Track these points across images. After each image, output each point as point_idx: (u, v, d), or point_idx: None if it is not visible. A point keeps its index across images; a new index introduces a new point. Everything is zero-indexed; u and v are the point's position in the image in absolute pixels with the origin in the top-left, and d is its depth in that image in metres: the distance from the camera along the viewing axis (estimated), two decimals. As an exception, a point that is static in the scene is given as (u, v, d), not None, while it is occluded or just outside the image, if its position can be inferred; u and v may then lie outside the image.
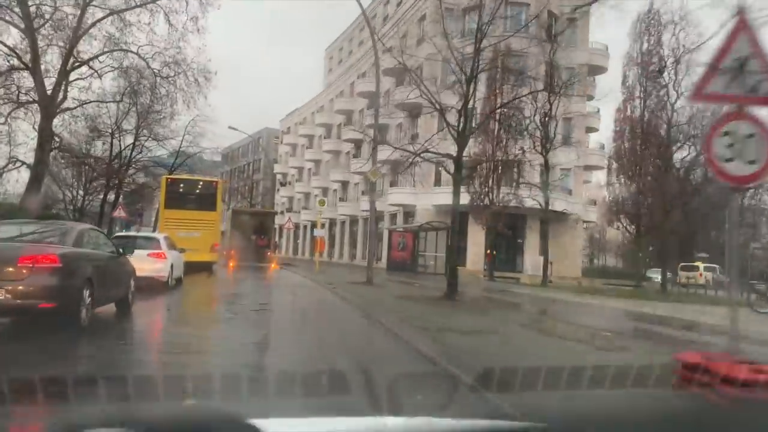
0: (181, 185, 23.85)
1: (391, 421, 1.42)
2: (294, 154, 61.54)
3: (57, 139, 32.24)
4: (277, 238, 37.38)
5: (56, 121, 29.12)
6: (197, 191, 23.35)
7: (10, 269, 6.56)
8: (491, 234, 31.22)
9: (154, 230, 27.17)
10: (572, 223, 32.28)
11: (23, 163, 34.51)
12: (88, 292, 7.27)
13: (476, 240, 30.07)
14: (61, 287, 6.69)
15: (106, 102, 34.23)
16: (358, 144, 43.81)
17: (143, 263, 11.84)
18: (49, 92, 26.65)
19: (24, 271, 6.57)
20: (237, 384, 2.33)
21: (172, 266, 14.08)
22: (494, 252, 30.50)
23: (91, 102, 33.25)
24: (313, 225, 51.90)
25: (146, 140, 39.24)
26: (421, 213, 32.04)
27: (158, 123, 38.93)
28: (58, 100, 31.27)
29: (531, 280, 26.15)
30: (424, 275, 25.54)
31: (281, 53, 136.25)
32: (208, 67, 27.29)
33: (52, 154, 32.42)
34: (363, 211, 38.53)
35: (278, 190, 62.66)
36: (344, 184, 46.54)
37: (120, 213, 25.28)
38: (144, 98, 34.23)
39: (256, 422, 1.28)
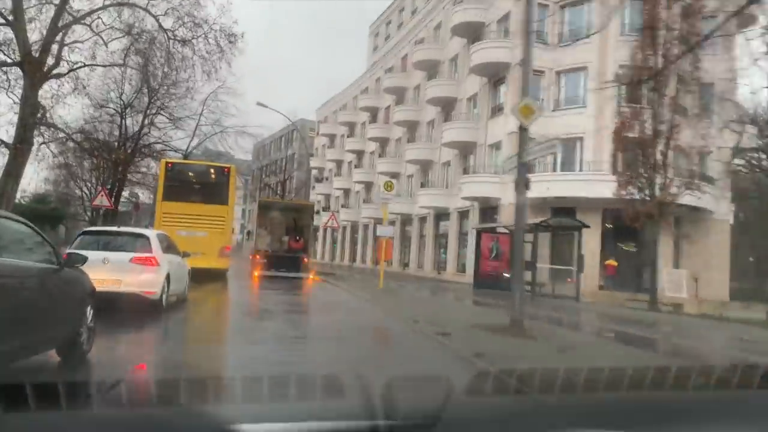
0: (184, 171, 19.31)
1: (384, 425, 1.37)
2: (332, 145, 54.20)
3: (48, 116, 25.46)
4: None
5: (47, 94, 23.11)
6: (204, 179, 18.82)
7: None
8: (612, 237, 23.03)
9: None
10: (718, 224, 23.76)
11: (3, 142, 27.86)
12: None
13: (588, 245, 21.86)
14: None
15: (104, 66, 27.36)
16: (412, 126, 35.99)
17: (122, 273, 8.63)
18: (36, 55, 21.87)
19: None
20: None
21: (168, 277, 9.54)
22: (616, 262, 22.34)
23: (85, 66, 26.58)
24: (354, 226, 44.77)
25: (157, 113, 32.39)
26: (510, 210, 23.93)
27: (172, 97, 32.09)
28: (49, 65, 24.98)
29: (692, 305, 17.90)
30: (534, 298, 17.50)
31: (316, 45, 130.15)
32: (234, 29, 22.03)
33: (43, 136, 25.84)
34: (422, 207, 30.69)
35: (313, 186, 55.38)
36: (393, 177, 38.71)
37: (102, 201, 18.02)
38: (156, 66, 27.45)
39: (246, 427, 1.29)
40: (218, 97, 34.23)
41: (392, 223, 38.25)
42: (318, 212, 46.28)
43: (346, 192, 49.21)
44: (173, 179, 18.41)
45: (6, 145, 27.41)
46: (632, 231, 21.89)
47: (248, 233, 31.42)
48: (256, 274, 22.65)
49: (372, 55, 48.81)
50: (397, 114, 36.30)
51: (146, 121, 32.73)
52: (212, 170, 19.76)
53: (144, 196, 52.39)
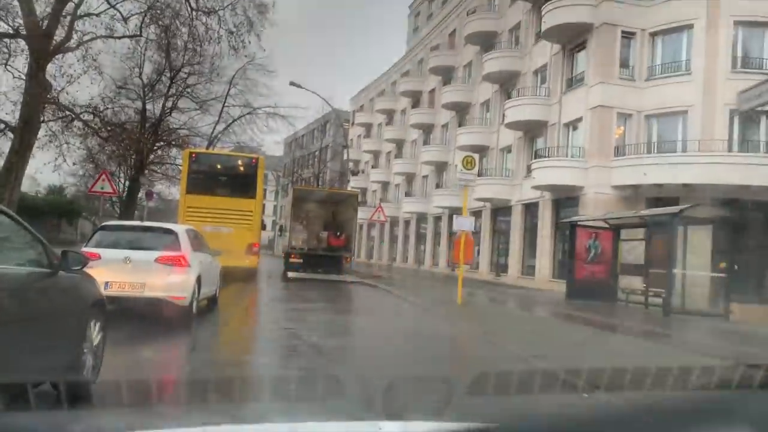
0: (210, 162, 18.46)
1: (387, 425, 1.40)
2: (368, 135, 50.52)
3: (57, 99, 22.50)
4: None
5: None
6: (231, 171, 17.92)
7: None
8: (723, 233, 18.63)
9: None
10: None
11: (6, 125, 24.94)
12: None
13: (694, 245, 17.47)
14: None
15: (119, 37, 24.24)
16: (462, 109, 31.94)
17: (146, 275, 7.28)
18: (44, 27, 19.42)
19: None
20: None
21: (198, 279, 8.07)
22: (732, 266, 17.94)
23: (97, 38, 23.59)
24: (393, 221, 40.81)
25: (180, 95, 29.17)
26: (594, 201, 19.73)
27: (196, 77, 28.79)
28: (57, 39, 21.82)
29: None
30: (642, 314, 13.18)
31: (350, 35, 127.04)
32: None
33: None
34: (479, 200, 26.65)
35: (349, 180, 51.75)
36: (440, 167, 34.78)
37: (103, 186, 14.56)
38: (178, 43, 24.45)
39: (250, 427, 1.32)
40: (247, 75, 30.99)
41: (436, 219, 34.43)
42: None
43: (384, 185, 45.49)
44: (198, 171, 17.39)
45: (9, 127, 24.41)
46: (751, 225, 17.59)
47: (281, 229, 27.90)
48: (290, 276, 18.99)
49: (412, 36, 44.90)
50: (445, 95, 32.28)
51: (168, 104, 29.58)
52: (239, 161, 18.78)
53: (167, 188, 49.53)
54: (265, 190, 21.11)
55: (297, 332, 8.02)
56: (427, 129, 37.44)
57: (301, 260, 19.81)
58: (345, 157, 52.73)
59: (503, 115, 26.67)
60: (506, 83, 27.01)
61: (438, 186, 33.71)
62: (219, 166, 18.28)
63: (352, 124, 55.22)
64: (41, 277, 3.80)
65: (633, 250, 14.44)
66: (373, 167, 48.03)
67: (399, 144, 43.11)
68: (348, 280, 19.17)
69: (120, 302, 5.20)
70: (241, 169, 17.97)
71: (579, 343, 7.91)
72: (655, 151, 19.61)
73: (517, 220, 25.16)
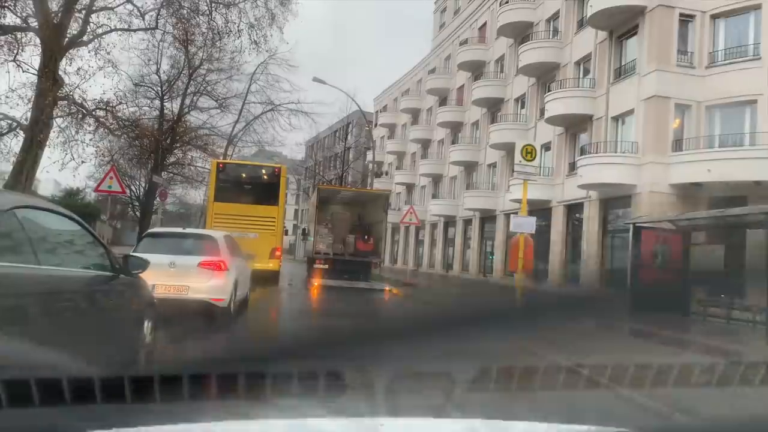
0: (236, 172, 19.44)
1: (388, 422, 1.40)
2: (392, 135, 49.00)
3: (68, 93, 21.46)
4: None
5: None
6: (255, 180, 19.01)
7: None
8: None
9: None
10: None
11: (18, 124, 24.05)
12: None
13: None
14: None
15: (134, 30, 23.19)
16: (493, 105, 30.18)
17: (190, 278, 7.86)
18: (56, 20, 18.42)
19: None
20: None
21: (235, 283, 8.69)
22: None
23: (111, 31, 22.55)
24: (418, 228, 38.99)
25: (199, 93, 28.00)
26: (649, 200, 17.83)
27: (216, 73, 27.56)
28: (71, 34, 21.26)
29: None
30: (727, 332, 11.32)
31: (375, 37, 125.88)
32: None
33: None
34: (513, 201, 24.87)
35: (371, 183, 50.21)
36: (469, 167, 33.03)
37: (111, 185, 13.14)
38: (197, 36, 23.36)
39: (252, 423, 1.33)
40: (268, 70, 29.73)
41: (466, 222, 32.54)
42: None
43: (409, 187, 43.85)
44: (224, 180, 18.37)
45: (19, 125, 23.34)
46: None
47: (304, 232, 26.56)
48: (315, 284, 17.44)
49: (438, 33, 43.27)
50: (476, 91, 30.52)
51: (186, 102, 28.38)
52: (263, 170, 19.68)
53: (188, 191, 48.57)
54: (286, 194, 21.65)
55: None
56: (455, 127, 35.72)
57: (326, 266, 18.29)
58: (369, 158, 51.40)
59: (541, 110, 24.89)
60: (544, 76, 25.19)
61: (469, 187, 31.89)
62: (244, 176, 19.09)
63: (376, 125, 53.75)
64: (105, 279, 4.12)
65: (709, 255, 12.58)
66: (397, 169, 46.45)
67: (425, 144, 41.48)
68: (377, 288, 17.56)
69: (165, 303, 5.51)
70: (265, 178, 18.83)
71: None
72: (718, 146, 17.69)
73: (558, 222, 23.30)
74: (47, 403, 1.24)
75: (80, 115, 19.58)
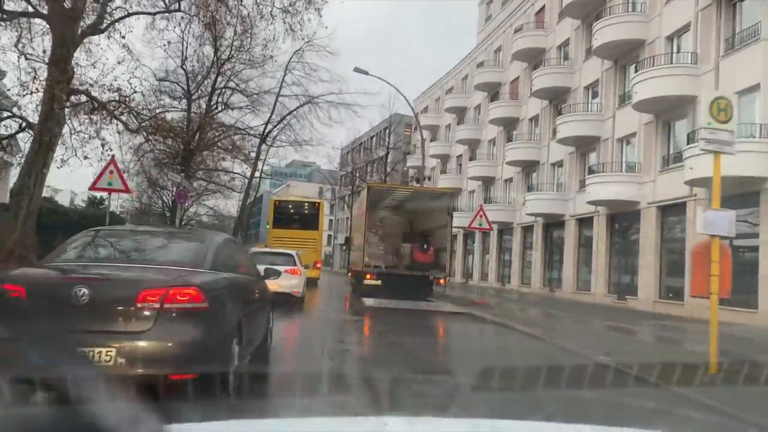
0: (287, 206, 26.14)
1: (392, 420, 1.33)
2: (435, 138, 45.75)
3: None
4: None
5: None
6: (301, 211, 25.23)
7: (125, 313, 3.77)
8: None
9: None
10: None
11: (27, 123, 21.55)
12: (237, 346, 4.29)
13: None
14: (206, 343, 3.84)
15: (153, 13, 20.85)
16: (558, 96, 26.60)
17: (283, 280, 11.29)
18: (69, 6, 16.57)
19: (145, 316, 3.72)
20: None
21: (305, 282, 14.46)
22: None
23: (128, 15, 20.02)
24: (468, 233, 35.30)
25: (229, 91, 25.39)
26: None
27: (246, 66, 24.85)
28: (87, 22, 18.84)
29: None
30: None
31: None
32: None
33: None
34: (590, 203, 21.28)
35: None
36: (528, 167, 29.47)
37: (112, 181, 10.16)
38: (224, 20, 20.86)
39: (260, 422, 1.35)
40: (305, 58, 27.01)
41: (525, 229, 28.67)
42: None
43: (455, 192, 40.42)
44: (279, 212, 25.02)
45: (29, 124, 20.81)
46: None
47: (346, 242, 24.47)
48: (367, 304, 14.18)
49: (484, 25, 39.98)
50: (537, 80, 26.98)
51: (215, 100, 25.72)
52: (306, 205, 26.19)
53: (218, 201, 46.06)
54: (323, 221, 27.01)
55: None
56: (509, 124, 32.24)
57: (378, 282, 15.05)
58: (409, 163, 48.26)
59: (624, 94, 21.33)
60: (623, 57, 21.56)
61: (530, 189, 28.24)
62: (292, 209, 25.53)
63: (415, 128, 50.58)
64: (259, 282, 6.18)
65: None
66: (441, 173, 43.13)
67: (472, 145, 38.07)
68: (445, 310, 14.12)
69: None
70: (307, 210, 25.35)
71: None
72: None
73: (651, 224, 19.53)
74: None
75: (90, 107, 16.88)
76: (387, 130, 48.44)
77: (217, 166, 29.45)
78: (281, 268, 10.86)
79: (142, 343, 3.66)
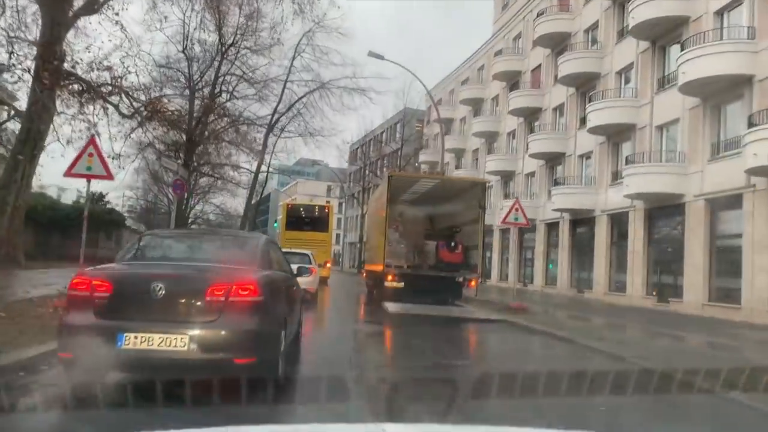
0: (299, 210, 28.02)
1: (390, 427, 1.32)
2: (449, 131, 43.91)
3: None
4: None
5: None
6: (312, 214, 26.95)
7: (196, 305, 4.38)
8: None
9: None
10: None
11: (15, 110, 20.14)
12: (283, 335, 5.07)
13: None
14: (263, 331, 4.51)
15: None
16: (587, 82, 24.77)
17: (301, 277, 10.01)
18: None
19: (213, 308, 4.33)
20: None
21: (319, 279, 15.59)
22: None
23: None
24: (486, 230, 33.34)
25: (235, 78, 23.81)
26: None
27: (252, 48, 23.27)
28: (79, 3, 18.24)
29: None
30: None
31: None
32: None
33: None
34: (627, 196, 19.50)
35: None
36: (553, 159, 27.69)
37: (91, 166, 8.52)
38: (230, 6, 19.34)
39: (255, 428, 1.31)
40: (315, 41, 25.42)
41: (549, 226, 26.83)
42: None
43: (471, 188, 38.66)
44: (291, 215, 27.11)
45: (16, 111, 19.42)
46: None
47: (361, 240, 23.03)
48: (390, 310, 12.47)
49: (501, 13, 38.10)
50: (563, 66, 25.16)
51: (218, 87, 24.10)
52: (316, 208, 28.09)
53: (229, 199, 44.49)
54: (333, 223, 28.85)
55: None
56: (531, 114, 30.42)
57: (400, 284, 13.34)
58: (422, 158, 46.53)
59: (664, 77, 19.51)
60: (663, 36, 19.72)
61: (558, 183, 26.37)
62: (303, 212, 27.32)
63: (428, 121, 48.82)
64: (292, 278, 6.63)
65: None
66: (456, 168, 41.36)
67: (490, 138, 36.28)
68: (480, 317, 12.35)
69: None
70: (317, 213, 27.12)
71: None
72: None
73: (698, 219, 17.71)
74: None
75: (80, 90, 15.26)
76: (400, 124, 46.80)
77: (222, 161, 27.96)
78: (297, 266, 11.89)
79: (211, 331, 4.22)
